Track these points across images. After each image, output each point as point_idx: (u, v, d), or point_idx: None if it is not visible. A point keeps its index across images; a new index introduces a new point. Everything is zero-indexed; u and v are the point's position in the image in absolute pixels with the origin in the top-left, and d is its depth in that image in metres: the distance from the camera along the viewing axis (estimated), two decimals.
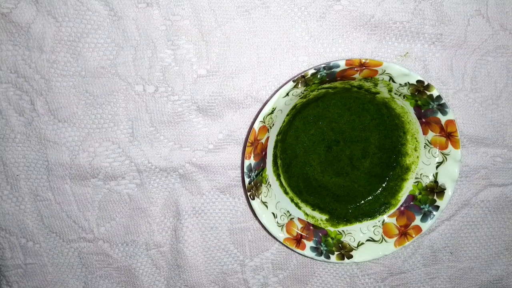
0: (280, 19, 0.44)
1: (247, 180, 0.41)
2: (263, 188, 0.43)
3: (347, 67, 0.38)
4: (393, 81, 0.40)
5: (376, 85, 0.42)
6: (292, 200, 0.47)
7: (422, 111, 0.43)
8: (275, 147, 0.45)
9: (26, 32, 0.43)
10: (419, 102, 0.42)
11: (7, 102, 0.44)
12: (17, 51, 0.43)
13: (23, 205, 0.47)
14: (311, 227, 0.46)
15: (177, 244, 0.48)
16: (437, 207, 0.44)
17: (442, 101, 0.41)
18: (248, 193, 0.42)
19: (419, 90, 0.40)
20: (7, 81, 0.44)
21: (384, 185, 0.48)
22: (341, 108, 0.46)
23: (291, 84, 0.38)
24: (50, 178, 0.46)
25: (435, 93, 0.40)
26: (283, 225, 0.44)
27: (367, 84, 0.42)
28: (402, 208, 0.46)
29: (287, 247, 0.44)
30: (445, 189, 0.44)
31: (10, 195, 0.46)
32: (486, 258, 0.50)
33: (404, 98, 0.43)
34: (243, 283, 0.49)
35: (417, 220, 0.45)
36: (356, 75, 0.40)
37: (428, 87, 0.40)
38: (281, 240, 0.44)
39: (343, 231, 0.46)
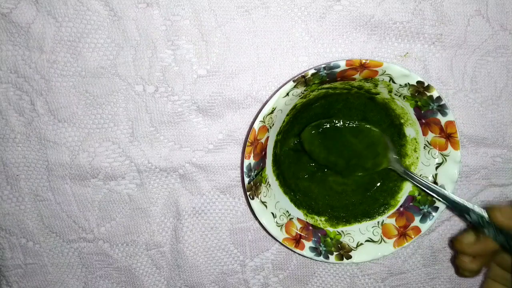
0: (280, 19, 0.44)
1: (246, 179, 0.41)
2: (263, 188, 0.43)
3: (347, 68, 0.38)
4: (393, 82, 0.40)
5: (376, 85, 0.42)
6: (291, 200, 0.47)
7: (422, 112, 0.43)
8: (275, 146, 0.45)
9: (26, 32, 0.43)
10: (419, 103, 0.42)
11: (7, 102, 0.44)
12: (17, 51, 0.43)
13: (23, 205, 0.47)
14: (310, 227, 0.46)
15: (177, 244, 0.48)
16: (436, 208, 0.44)
17: (442, 102, 0.41)
18: (248, 193, 0.42)
19: (419, 91, 0.40)
20: (7, 81, 0.44)
21: (377, 185, 0.48)
22: (343, 109, 0.46)
23: (291, 84, 0.38)
24: (50, 178, 0.46)
25: (435, 94, 0.40)
26: (282, 225, 0.44)
27: (367, 85, 0.42)
28: (401, 209, 0.46)
29: (286, 247, 0.44)
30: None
31: (10, 195, 0.46)
32: None
33: (404, 99, 0.43)
34: (243, 283, 0.49)
35: (416, 221, 0.45)
36: (356, 76, 0.40)
37: (428, 88, 0.40)
38: (280, 240, 0.44)
39: (342, 231, 0.46)
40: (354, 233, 0.46)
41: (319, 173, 0.48)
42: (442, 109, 0.41)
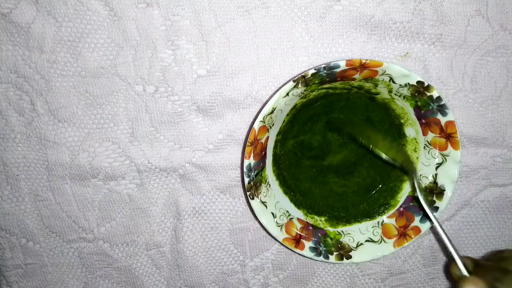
0: (280, 19, 0.44)
1: (246, 179, 0.41)
2: (263, 188, 0.43)
3: (347, 68, 0.38)
4: (393, 82, 0.40)
5: (376, 85, 0.42)
6: (291, 200, 0.47)
7: (422, 112, 0.43)
8: (275, 147, 0.45)
9: (26, 32, 0.43)
10: (419, 103, 0.42)
11: (7, 102, 0.44)
12: (17, 51, 0.43)
13: (23, 205, 0.47)
14: (310, 227, 0.46)
15: (177, 244, 0.48)
16: (436, 208, 0.44)
17: (442, 102, 0.41)
18: (248, 193, 0.42)
19: (419, 91, 0.40)
20: (7, 81, 0.44)
21: (379, 187, 0.48)
22: (342, 109, 0.46)
23: (291, 84, 0.38)
24: (50, 178, 0.46)
25: (435, 94, 0.40)
26: (282, 225, 0.44)
27: (367, 85, 0.42)
28: (401, 209, 0.46)
29: (286, 247, 0.44)
30: (444, 190, 0.44)
31: (10, 195, 0.46)
32: None
33: (404, 99, 0.43)
34: (243, 283, 0.49)
35: (416, 221, 0.45)
36: (356, 76, 0.40)
37: (428, 88, 0.40)
38: (280, 240, 0.44)
39: (342, 231, 0.46)
40: (354, 233, 0.46)
41: (320, 175, 0.48)
42: (442, 109, 0.41)
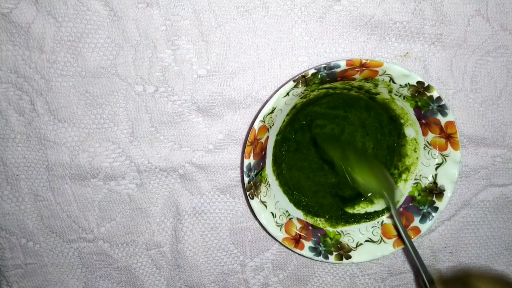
0: (280, 19, 0.44)
1: (246, 179, 0.41)
2: (262, 188, 0.43)
3: (347, 67, 0.38)
4: (393, 82, 0.40)
5: (376, 86, 0.42)
6: (290, 200, 0.47)
7: (422, 112, 0.43)
8: (275, 146, 0.45)
9: (26, 32, 0.43)
10: (419, 103, 0.42)
11: (7, 102, 0.44)
12: (17, 51, 0.43)
13: (23, 205, 0.47)
14: (310, 227, 0.46)
15: (177, 244, 0.48)
16: (436, 208, 0.44)
17: (442, 102, 0.41)
18: (247, 193, 0.42)
19: (419, 91, 0.40)
20: (7, 81, 0.44)
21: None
22: (342, 109, 0.46)
23: (292, 83, 0.38)
24: (50, 178, 0.46)
25: (435, 94, 0.40)
26: (282, 224, 0.44)
27: (367, 85, 0.42)
28: (401, 209, 0.46)
29: (285, 247, 0.44)
30: (444, 190, 0.44)
31: (10, 195, 0.46)
32: (486, 258, 0.50)
33: (404, 99, 0.43)
34: (243, 283, 0.49)
35: (416, 221, 0.45)
36: (357, 76, 0.40)
37: (428, 88, 0.40)
38: (280, 240, 0.44)
39: (341, 231, 0.46)
40: (354, 233, 0.46)
41: (317, 175, 0.48)
42: (442, 110, 0.41)
